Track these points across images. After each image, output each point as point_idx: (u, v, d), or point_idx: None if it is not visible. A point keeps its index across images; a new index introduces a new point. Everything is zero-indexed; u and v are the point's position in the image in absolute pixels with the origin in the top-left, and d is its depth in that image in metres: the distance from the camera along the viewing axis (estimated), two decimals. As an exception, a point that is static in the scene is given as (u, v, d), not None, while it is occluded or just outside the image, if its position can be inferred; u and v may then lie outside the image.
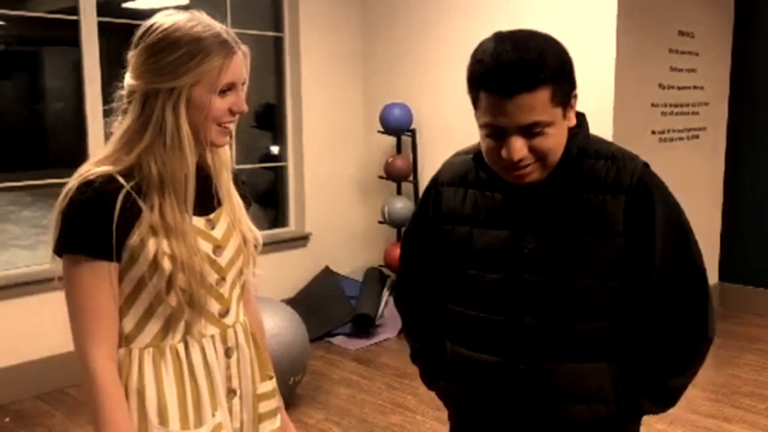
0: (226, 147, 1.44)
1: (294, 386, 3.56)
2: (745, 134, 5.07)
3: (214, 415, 1.38)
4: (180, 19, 1.31)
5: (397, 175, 4.93)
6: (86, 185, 1.27)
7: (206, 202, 1.40)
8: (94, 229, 1.26)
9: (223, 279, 1.40)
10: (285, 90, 5.05)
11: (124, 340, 1.34)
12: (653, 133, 4.46)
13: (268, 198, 5.34)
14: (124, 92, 1.34)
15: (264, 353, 1.54)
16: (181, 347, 1.36)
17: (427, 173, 4.79)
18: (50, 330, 2.88)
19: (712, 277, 5.09)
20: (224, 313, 1.42)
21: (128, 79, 1.33)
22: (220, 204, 1.43)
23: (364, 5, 5.23)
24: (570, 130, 1.37)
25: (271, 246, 4.67)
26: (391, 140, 5.10)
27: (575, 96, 1.35)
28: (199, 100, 1.30)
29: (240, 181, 1.53)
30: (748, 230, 5.11)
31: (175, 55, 1.27)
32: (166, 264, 1.29)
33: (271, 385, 1.54)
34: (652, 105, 4.43)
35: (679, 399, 1.47)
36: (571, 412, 1.42)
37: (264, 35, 5.05)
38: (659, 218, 1.37)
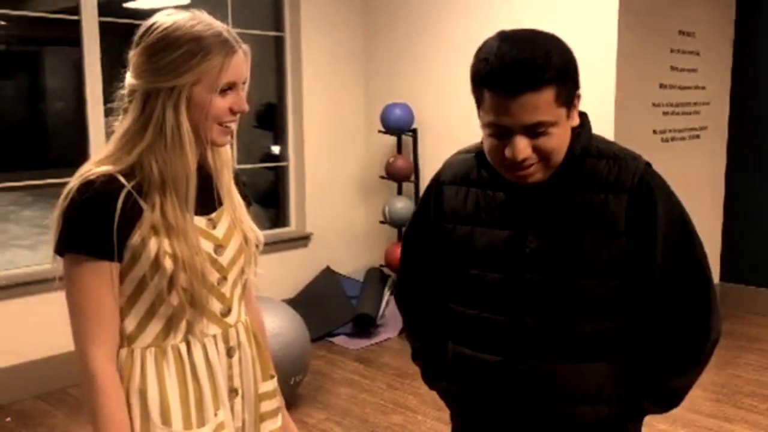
0: (227, 146, 1.44)
1: (295, 386, 3.56)
2: (747, 134, 5.06)
3: (216, 415, 1.38)
4: (180, 18, 1.30)
5: (398, 175, 4.93)
6: (87, 185, 1.26)
7: (207, 201, 1.40)
8: (96, 229, 1.26)
9: (225, 278, 1.40)
10: (286, 90, 5.05)
11: (126, 341, 1.33)
12: (655, 132, 4.46)
13: (269, 198, 5.34)
14: (124, 92, 1.34)
15: (265, 353, 1.54)
16: (183, 347, 1.36)
17: (428, 173, 4.79)
18: (51, 330, 2.88)
19: (714, 276, 5.08)
20: (226, 312, 1.42)
21: (129, 79, 1.32)
22: (221, 203, 1.43)
23: (365, 5, 5.23)
24: (573, 129, 1.37)
25: (272, 246, 4.67)
26: (392, 140, 5.10)
27: (579, 96, 1.35)
28: (200, 99, 1.29)
29: (240, 180, 1.53)
30: (749, 230, 5.11)
31: (175, 54, 1.27)
32: (168, 263, 1.29)
33: (272, 384, 1.54)
34: (654, 105, 4.43)
35: (682, 399, 1.46)
36: (572, 412, 1.42)
37: (265, 35, 5.05)
38: (661, 217, 1.37)
